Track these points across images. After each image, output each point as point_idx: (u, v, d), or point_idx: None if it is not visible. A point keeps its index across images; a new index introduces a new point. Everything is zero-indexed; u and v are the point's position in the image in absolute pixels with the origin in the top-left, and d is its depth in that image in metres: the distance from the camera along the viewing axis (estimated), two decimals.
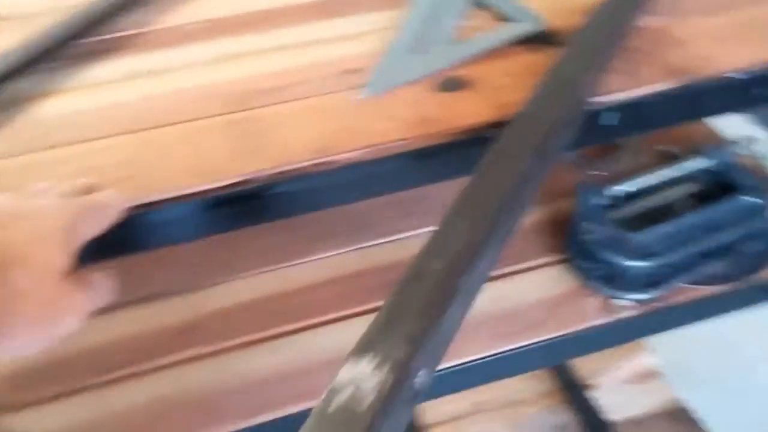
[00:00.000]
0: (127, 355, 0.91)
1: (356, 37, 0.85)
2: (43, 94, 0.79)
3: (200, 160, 0.68)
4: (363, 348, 0.45)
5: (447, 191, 1.08)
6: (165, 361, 0.90)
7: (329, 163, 0.68)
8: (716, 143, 1.06)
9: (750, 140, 1.05)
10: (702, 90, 0.73)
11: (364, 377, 0.43)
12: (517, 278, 0.96)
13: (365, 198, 0.73)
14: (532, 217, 1.04)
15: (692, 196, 1.00)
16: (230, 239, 1.05)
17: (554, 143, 0.62)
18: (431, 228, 1.06)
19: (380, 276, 0.99)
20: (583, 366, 1.54)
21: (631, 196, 0.99)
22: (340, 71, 0.79)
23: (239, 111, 0.74)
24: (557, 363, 1.37)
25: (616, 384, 1.53)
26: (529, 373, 1.55)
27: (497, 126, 0.69)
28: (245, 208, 0.68)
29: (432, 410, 1.50)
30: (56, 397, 0.87)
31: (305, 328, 0.94)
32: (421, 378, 0.45)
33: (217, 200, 0.66)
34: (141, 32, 0.89)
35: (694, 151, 1.03)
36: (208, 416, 0.85)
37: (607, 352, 1.53)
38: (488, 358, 0.88)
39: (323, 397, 0.43)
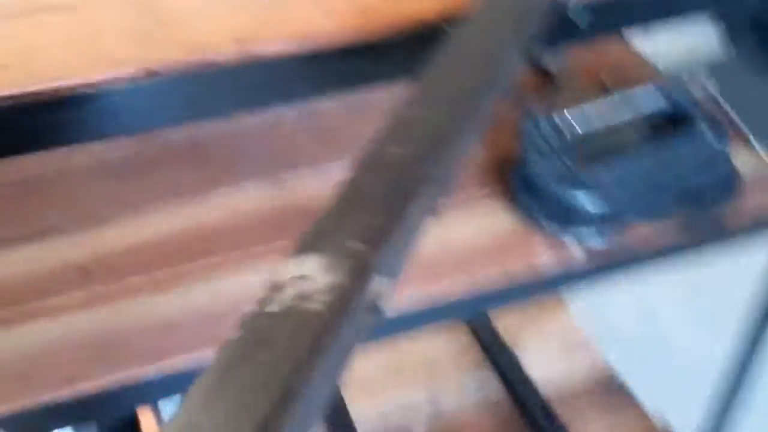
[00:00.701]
0: (18, 295, 0.78)
1: None
2: None
3: (97, 47, 0.56)
4: (310, 243, 0.35)
5: (365, 123, 0.99)
6: (60, 302, 0.78)
7: (253, 56, 0.57)
8: (660, 76, 1.00)
9: (697, 72, 0.99)
10: None
11: (311, 278, 0.33)
12: (456, 217, 0.87)
13: (291, 101, 0.62)
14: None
15: (641, 129, 0.93)
16: (132, 171, 0.93)
17: (525, 33, 0.53)
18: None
19: (299, 211, 0.88)
20: (504, 326, 1.47)
21: (577, 129, 0.91)
22: None
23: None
24: (502, 306, 1.26)
25: (542, 351, 1.47)
26: (448, 332, 1.48)
27: (451, 18, 0.60)
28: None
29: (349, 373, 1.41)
30: None
31: (214, 266, 0.83)
32: (379, 286, 0.35)
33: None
34: None
35: (635, 83, 0.96)
36: (107, 360, 0.73)
37: (530, 310, 1.49)
38: (421, 308, 0.79)
39: (260, 301, 0.32)
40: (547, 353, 1.45)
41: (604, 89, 0.99)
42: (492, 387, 1.39)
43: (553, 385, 1.38)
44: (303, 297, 0.32)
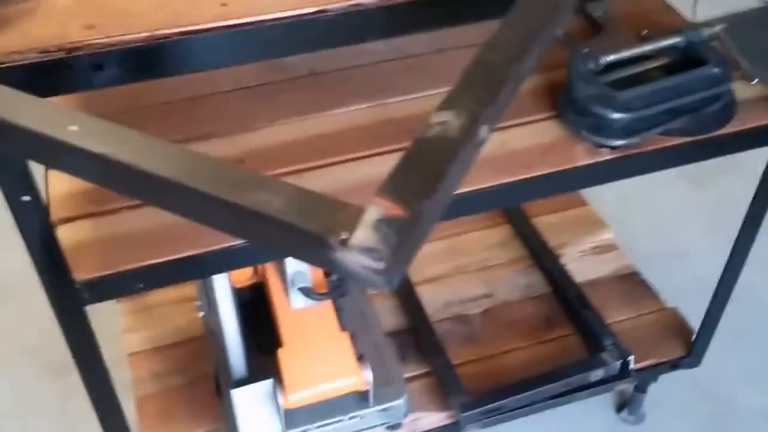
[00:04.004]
0: None
1: None
2: None
3: None
4: (447, 104, 0.58)
5: (455, 60, 1.20)
6: None
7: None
8: (683, 27, 1.19)
9: (714, 24, 1.18)
10: None
11: (449, 121, 0.56)
12: (515, 130, 1.10)
13: (426, 29, 0.85)
14: (526, 83, 1.17)
15: (664, 67, 1.14)
16: (264, 93, 1.17)
17: None
18: (442, 90, 1.21)
19: (396, 126, 1.11)
20: (551, 238, 1.70)
21: (613, 66, 1.12)
22: None
23: None
24: (550, 195, 1.47)
25: (579, 254, 1.70)
26: (502, 242, 1.72)
27: None
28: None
29: (420, 271, 1.65)
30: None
31: (336, 162, 1.06)
32: (484, 131, 0.58)
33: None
34: None
35: (666, 32, 1.16)
36: None
37: (571, 226, 1.72)
38: (494, 188, 1.02)
39: (421, 130, 0.55)
40: (584, 259, 1.68)
41: (637, 33, 1.20)
42: (537, 282, 1.63)
43: (586, 280, 1.61)
44: (444, 131, 0.55)
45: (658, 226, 2.06)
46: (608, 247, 1.73)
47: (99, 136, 0.59)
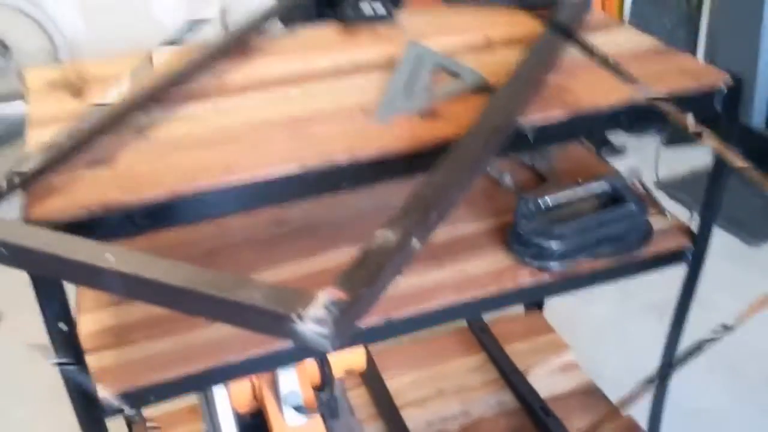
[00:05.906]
0: None
1: (363, 89, 1.17)
2: (160, 123, 1.10)
3: (278, 156, 0.99)
4: (389, 224, 0.75)
5: None
6: None
7: (359, 157, 0.99)
8: (609, 173, 1.39)
9: (633, 170, 1.38)
10: (585, 118, 1.07)
11: (389, 236, 0.73)
12: (472, 261, 1.26)
13: (384, 180, 1.03)
14: (483, 225, 1.35)
15: (596, 206, 1.32)
16: (270, 243, 1.34)
17: (492, 146, 0.94)
18: None
19: None
20: (518, 359, 1.83)
21: (552, 204, 1.30)
22: (356, 109, 1.11)
23: (296, 133, 1.05)
24: (500, 309, 1.57)
25: (544, 373, 1.83)
26: (477, 367, 1.85)
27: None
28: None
29: (404, 396, 1.77)
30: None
31: None
32: (415, 243, 0.75)
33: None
34: (214, 85, 1.21)
35: (593, 176, 1.36)
36: None
37: (537, 349, 1.85)
38: (458, 302, 1.18)
39: (368, 243, 0.72)
40: (549, 377, 1.81)
41: (574, 181, 1.39)
42: (508, 400, 1.75)
43: (551, 395, 1.72)
44: (384, 243, 0.72)
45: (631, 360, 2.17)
46: (570, 367, 1.85)
47: (130, 262, 0.76)
